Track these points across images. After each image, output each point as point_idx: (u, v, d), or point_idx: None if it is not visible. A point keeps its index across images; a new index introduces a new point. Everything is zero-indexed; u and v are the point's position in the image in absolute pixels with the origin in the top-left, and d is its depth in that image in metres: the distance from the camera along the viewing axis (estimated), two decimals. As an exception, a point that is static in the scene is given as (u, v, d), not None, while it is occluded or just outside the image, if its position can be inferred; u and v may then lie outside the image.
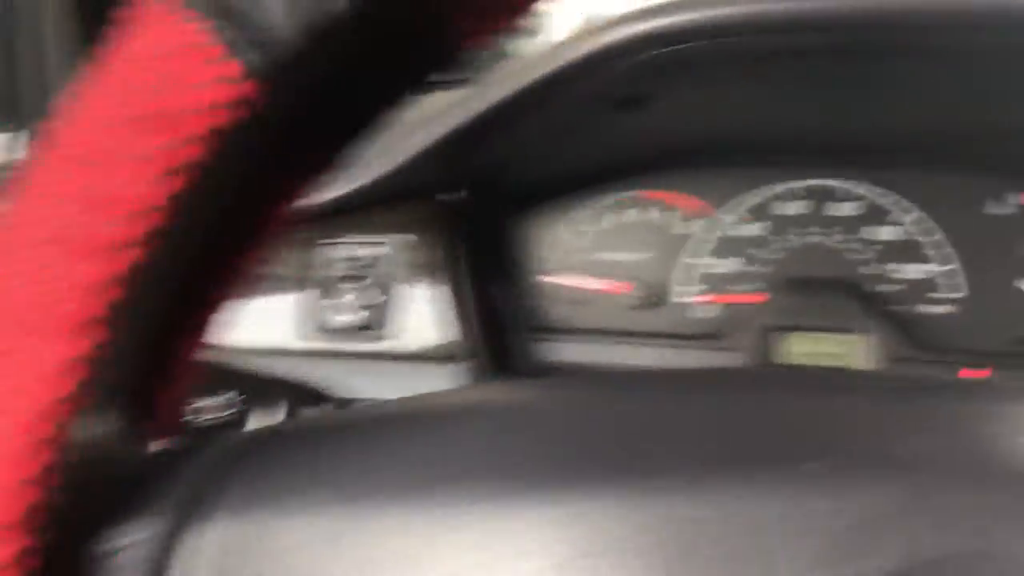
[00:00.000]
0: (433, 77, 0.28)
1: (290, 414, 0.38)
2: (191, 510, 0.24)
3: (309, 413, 0.29)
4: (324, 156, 0.28)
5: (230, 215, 0.27)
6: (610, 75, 0.52)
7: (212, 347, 0.30)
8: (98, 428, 0.24)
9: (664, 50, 0.50)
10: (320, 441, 0.26)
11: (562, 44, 0.54)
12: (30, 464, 0.22)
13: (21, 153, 0.86)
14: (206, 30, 0.21)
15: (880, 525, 0.19)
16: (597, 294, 0.75)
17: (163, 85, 0.21)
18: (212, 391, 0.36)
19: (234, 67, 0.21)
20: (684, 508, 0.21)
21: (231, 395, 0.35)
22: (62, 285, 0.22)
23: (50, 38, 0.76)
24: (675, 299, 0.74)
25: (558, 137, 0.63)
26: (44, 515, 0.22)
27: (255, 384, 0.35)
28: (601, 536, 0.21)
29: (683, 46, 0.50)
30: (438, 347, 0.62)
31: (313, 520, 0.23)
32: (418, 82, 0.28)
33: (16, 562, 0.22)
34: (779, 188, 0.71)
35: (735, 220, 0.72)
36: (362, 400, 0.59)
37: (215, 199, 0.24)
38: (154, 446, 0.27)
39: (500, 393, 0.28)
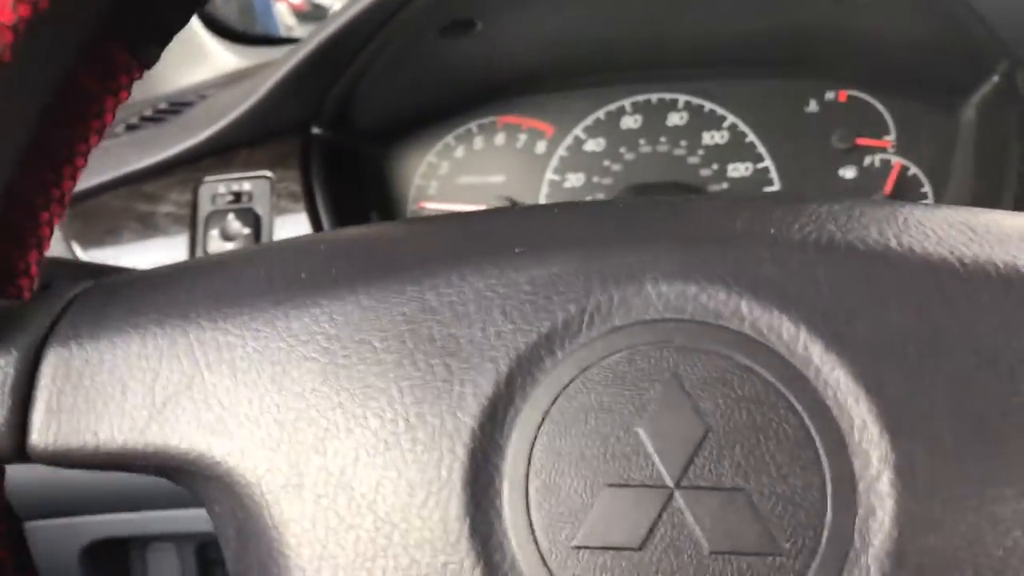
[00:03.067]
0: None
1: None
2: (38, 341, 0.30)
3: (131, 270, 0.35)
4: (130, 54, 0.34)
5: (57, 103, 0.32)
6: (426, 5, 0.59)
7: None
8: None
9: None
10: (140, 285, 0.32)
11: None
12: None
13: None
14: None
15: (564, 282, 0.26)
16: (467, 217, 0.82)
17: None
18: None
19: None
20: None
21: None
22: None
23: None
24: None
25: (398, 66, 0.69)
26: None
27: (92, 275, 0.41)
28: (353, 328, 0.28)
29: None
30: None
31: (133, 339, 0.30)
32: None
33: None
34: (612, 106, 0.79)
35: (580, 138, 0.80)
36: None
37: (31, 86, 0.30)
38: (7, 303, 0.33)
39: (279, 243, 0.34)
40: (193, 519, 0.69)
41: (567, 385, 0.25)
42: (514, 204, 0.79)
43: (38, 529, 0.68)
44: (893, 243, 0.26)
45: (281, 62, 0.66)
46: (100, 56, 0.33)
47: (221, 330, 0.29)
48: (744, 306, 0.25)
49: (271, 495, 0.27)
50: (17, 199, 0.33)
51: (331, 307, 0.28)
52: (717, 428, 0.24)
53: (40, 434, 0.29)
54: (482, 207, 0.80)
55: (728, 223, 0.27)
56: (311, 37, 0.64)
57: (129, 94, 0.35)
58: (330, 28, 0.62)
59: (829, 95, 0.77)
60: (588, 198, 0.79)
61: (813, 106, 0.77)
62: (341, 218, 0.72)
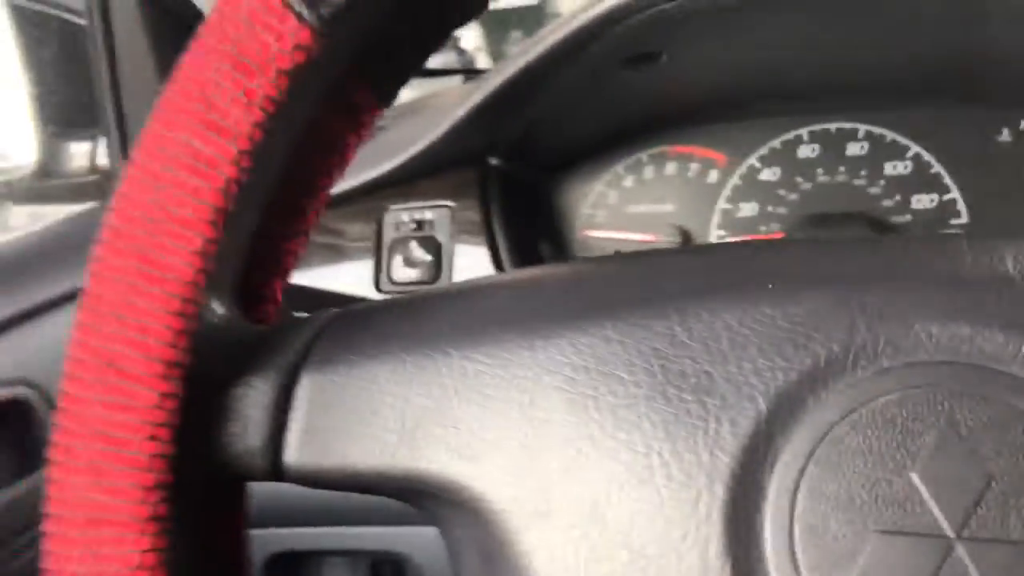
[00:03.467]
0: (461, 24, 0.36)
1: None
2: (294, 365, 0.32)
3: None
4: (372, 95, 0.36)
5: (304, 143, 0.35)
6: (618, 35, 0.59)
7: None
8: (216, 307, 0.33)
9: (664, 7, 0.57)
10: (384, 314, 0.34)
11: (573, 11, 0.61)
12: (167, 333, 0.28)
13: (102, 159, 0.95)
14: None
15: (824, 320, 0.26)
16: (635, 244, 0.82)
17: (242, 40, 0.29)
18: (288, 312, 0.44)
19: (292, 21, 0.29)
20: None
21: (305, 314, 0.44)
22: (179, 194, 0.29)
23: (124, 47, 0.83)
24: (706, 243, 0.80)
25: (580, 98, 0.70)
26: (178, 370, 0.30)
27: (325, 303, 0.43)
28: (600, 360, 0.28)
29: (683, 2, 0.57)
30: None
31: (385, 366, 0.31)
32: (449, 30, 0.36)
33: (160, 405, 0.29)
34: (790, 135, 0.77)
35: (755, 167, 0.79)
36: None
37: (289, 127, 0.32)
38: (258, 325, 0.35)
39: (513, 275, 0.35)
40: (369, 537, 0.72)
41: (833, 427, 0.25)
42: (685, 234, 0.79)
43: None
44: None
45: (464, 97, 0.69)
46: (346, 98, 0.35)
47: (469, 358, 0.30)
48: (1023, 350, 0.24)
49: (519, 521, 0.27)
50: (266, 231, 0.35)
51: (576, 339, 0.29)
52: (1000, 477, 0.23)
53: (295, 454, 0.31)
54: (650, 237, 0.80)
55: (997, 264, 0.26)
56: (496, 73, 0.66)
57: (370, 132, 0.37)
58: (517, 65, 0.64)
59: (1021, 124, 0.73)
60: (762, 228, 0.78)
61: (1006, 135, 0.73)
62: (516, 245, 0.73)
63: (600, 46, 0.62)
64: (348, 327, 0.33)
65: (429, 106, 0.80)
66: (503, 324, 0.30)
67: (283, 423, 0.31)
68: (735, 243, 0.33)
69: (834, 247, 0.30)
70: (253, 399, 0.31)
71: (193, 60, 0.30)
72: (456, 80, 1.08)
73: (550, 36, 0.63)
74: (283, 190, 0.35)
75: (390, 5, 0.32)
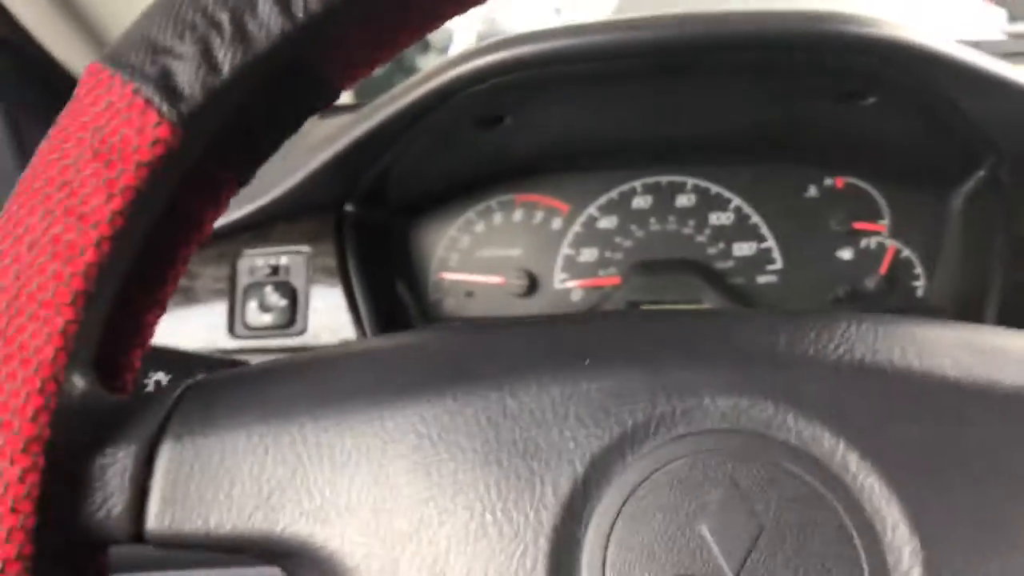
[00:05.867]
0: (316, 111, 0.39)
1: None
2: (153, 436, 0.34)
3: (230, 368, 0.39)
4: (232, 177, 0.38)
5: (164, 223, 0.36)
6: (464, 101, 0.64)
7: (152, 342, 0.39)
8: (77, 381, 0.34)
9: (505, 78, 0.62)
10: (242, 383, 0.36)
11: (424, 74, 0.66)
12: (27, 410, 0.29)
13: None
14: (133, 90, 0.31)
15: (632, 393, 0.31)
16: (485, 286, 0.86)
17: (103, 130, 0.31)
18: (142, 375, 0.45)
19: (153, 116, 0.31)
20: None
21: (159, 376, 0.45)
22: (40, 278, 0.30)
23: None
24: (551, 287, 0.85)
25: (432, 153, 0.74)
26: (38, 445, 0.30)
27: (180, 363, 0.44)
28: (442, 428, 0.32)
29: (521, 74, 0.62)
30: (338, 340, 0.73)
31: (240, 436, 0.33)
32: (306, 115, 0.39)
33: (21, 479, 0.30)
34: (626, 187, 0.84)
35: (594, 216, 0.85)
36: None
37: (148, 212, 0.34)
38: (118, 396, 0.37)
39: (363, 345, 0.38)
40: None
41: (637, 487, 0.29)
42: (532, 277, 0.84)
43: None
44: (915, 364, 0.30)
45: (321, 148, 0.71)
46: (206, 179, 0.37)
47: (321, 428, 0.32)
48: (790, 419, 0.29)
49: None
50: (126, 304, 0.37)
51: (421, 409, 0.32)
52: (770, 526, 0.28)
53: (156, 520, 0.32)
54: (499, 280, 0.85)
55: (773, 342, 0.31)
56: (352, 127, 0.69)
57: (226, 209, 0.39)
58: (371, 122, 0.67)
59: (828, 181, 0.82)
60: (600, 272, 0.84)
61: (813, 191, 0.82)
62: (372, 289, 0.76)
63: (448, 109, 0.66)
64: (205, 397, 0.35)
65: (286, 149, 0.82)
66: (353, 395, 0.33)
67: (144, 491, 0.33)
68: (561, 317, 0.37)
69: (642, 323, 0.35)
70: (115, 469, 0.32)
71: (53, 145, 0.31)
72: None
73: (402, 97, 0.66)
74: (143, 264, 0.36)
75: (248, 97, 0.34)
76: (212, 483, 0.32)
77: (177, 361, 0.45)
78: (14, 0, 0.73)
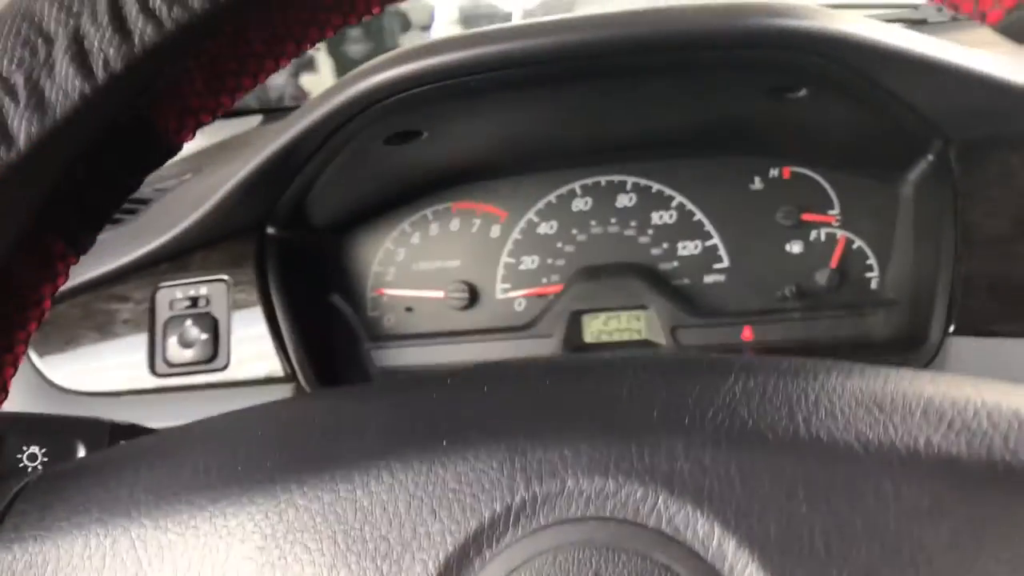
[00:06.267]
0: (154, 167, 0.35)
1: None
2: None
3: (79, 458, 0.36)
4: (66, 244, 0.35)
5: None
6: (372, 117, 0.60)
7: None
8: None
9: (412, 92, 0.58)
10: (83, 477, 0.33)
11: (328, 89, 0.62)
12: None
13: None
14: None
15: (488, 479, 0.27)
16: (425, 300, 0.83)
17: None
18: (17, 446, 0.42)
19: None
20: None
21: (33, 450, 0.42)
22: None
23: None
24: (492, 297, 0.82)
25: (352, 168, 0.70)
26: None
27: (55, 433, 0.41)
28: (287, 527, 0.28)
29: (430, 87, 0.58)
30: (264, 372, 0.70)
31: (77, 539, 0.30)
32: (142, 175, 0.35)
33: None
34: (564, 189, 0.80)
35: (533, 221, 0.81)
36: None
37: None
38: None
39: (220, 419, 0.35)
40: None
41: None
42: (472, 289, 0.81)
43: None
44: (801, 430, 0.27)
45: (233, 170, 0.67)
46: (35, 248, 0.34)
47: (161, 528, 0.29)
48: (661, 503, 0.26)
49: None
50: None
51: (266, 505, 0.29)
52: None
53: None
54: (439, 293, 0.82)
55: (646, 409, 0.28)
56: (261, 148, 0.65)
57: (67, 279, 0.36)
58: (281, 140, 0.64)
59: (773, 172, 0.79)
60: (544, 280, 0.81)
61: (758, 183, 0.79)
62: (297, 314, 0.73)
63: (356, 126, 0.62)
64: (44, 496, 0.32)
65: (208, 173, 0.78)
66: (197, 489, 0.30)
67: None
68: (425, 383, 0.34)
69: (506, 384, 0.31)
70: None
71: None
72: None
73: (309, 114, 0.62)
74: None
75: (65, 163, 0.31)
76: None
77: (54, 430, 0.42)
78: None
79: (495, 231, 0.82)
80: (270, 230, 0.74)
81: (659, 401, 0.28)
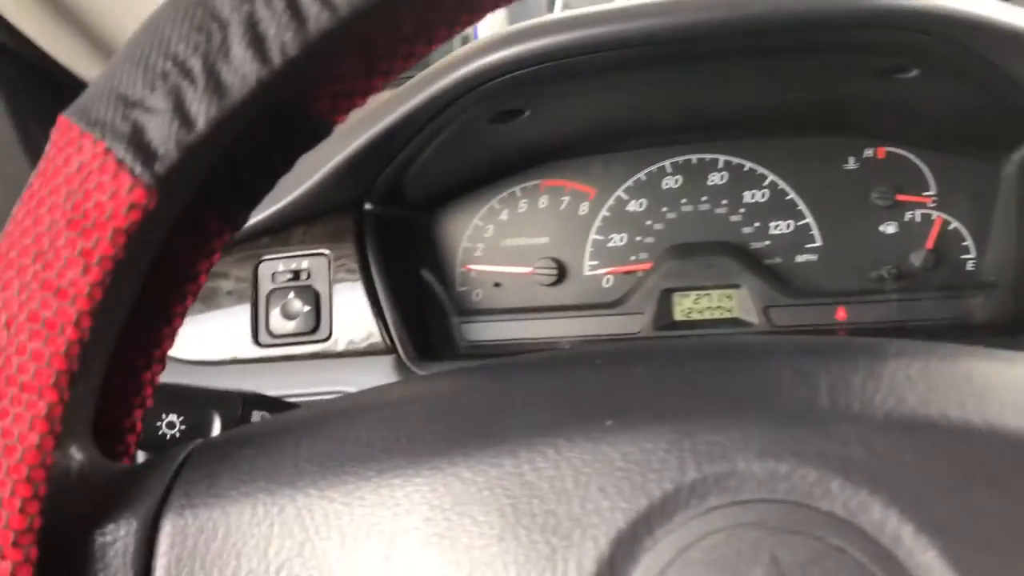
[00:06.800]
0: (309, 148, 0.36)
1: (225, 426, 0.46)
2: (155, 510, 0.32)
3: (237, 427, 0.37)
4: (222, 221, 0.36)
5: (153, 282, 0.34)
6: (478, 97, 0.61)
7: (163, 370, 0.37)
8: (75, 453, 0.32)
9: (522, 72, 0.58)
10: (247, 447, 0.34)
11: (436, 68, 0.62)
12: (15, 502, 0.28)
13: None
14: (104, 149, 0.28)
15: (657, 460, 0.28)
16: (513, 276, 0.84)
17: (75, 195, 0.29)
18: (155, 416, 0.44)
19: (126, 179, 0.29)
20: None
21: (172, 418, 0.43)
22: (20, 358, 0.28)
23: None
24: (580, 274, 0.83)
25: (451, 147, 0.71)
26: (30, 536, 0.28)
27: (192, 403, 0.43)
28: (454, 499, 0.29)
29: (539, 67, 0.58)
30: (364, 344, 0.71)
31: (246, 508, 0.32)
32: (296, 155, 0.36)
33: (12, 572, 0.29)
34: (654, 167, 0.80)
35: (622, 199, 0.82)
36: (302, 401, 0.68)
37: (132, 277, 0.32)
38: (120, 464, 0.35)
39: (388, 391, 0.36)
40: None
41: (667, 566, 0.27)
42: (560, 265, 0.81)
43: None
44: (974, 418, 0.27)
45: (337, 147, 0.69)
46: (195, 228, 0.35)
47: (328, 498, 0.30)
48: (835, 487, 0.27)
49: None
50: (121, 366, 0.35)
51: (432, 477, 0.30)
52: None
53: None
54: (527, 269, 0.82)
55: (812, 394, 0.29)
56: (366, 125, 0.67)
57: (221, 255, 0.37)
58: (385, 121, 0.65)
59: (868, 152, 0.78)
60: (632, 258, 0.81)
61: (852, 163, 0.78)
62: (396, 288, 0.74)
63: (464, 105, 0.63)
64: (209, 463, 0.33)
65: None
66: (363, 461, 0.31)
67: (147, 569, 0.31)
68: (577, 359, 0.34)
69: (667, 369, 0.32)
70: (116, 548, 0.31)
71: (28, 210, 0.29)
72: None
73: (415, 95, 0.63)
74: (136, 327, 0.34)
75: (231, 146, 0.32)
76: (217, 560, 0.31)
77: (191, 400, 0.44)
78: (10, 9, 0.72)
79: (583, 208, 0.82)
80: (368, 206, 0.75)
81: (824, 385, 0.29)
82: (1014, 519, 0.25)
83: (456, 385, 0.35)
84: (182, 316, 0.37)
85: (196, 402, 0.46)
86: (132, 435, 0.36)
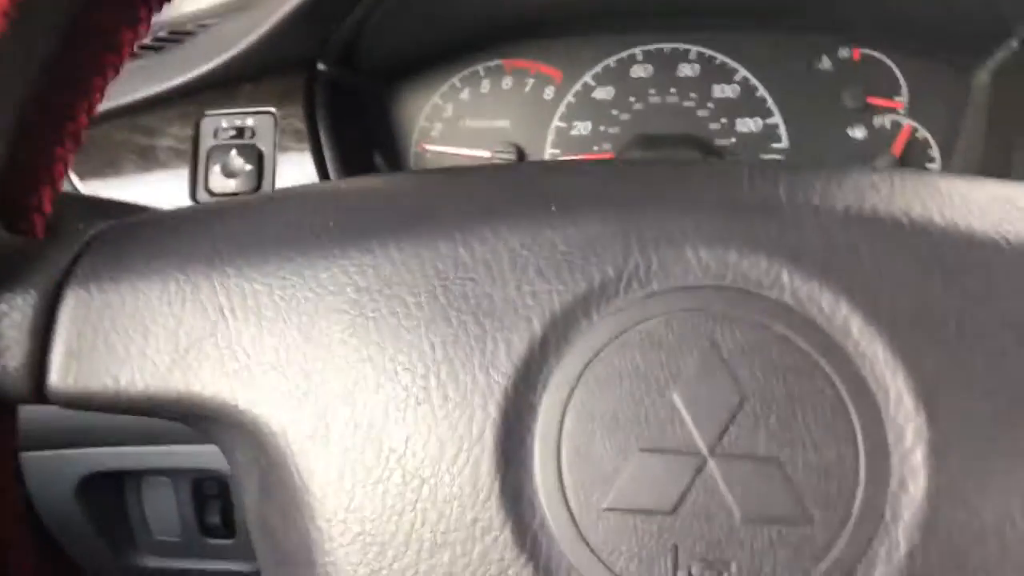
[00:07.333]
0: None
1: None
2: (57, 281, 0.29)
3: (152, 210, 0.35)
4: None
5: (69, 43, 0.31)
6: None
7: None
8: None
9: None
10: (161, 228, 0.32)
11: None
12: None
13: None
14: None
15: (601, 243, 0.26)
16: (470, 160, 0.81)
17: None
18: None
19: None
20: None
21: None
22: None
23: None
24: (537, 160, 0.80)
25: (406, 5, 0.68)
26: None
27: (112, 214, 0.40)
28: (383, 281, 0.27)
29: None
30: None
31: (155, 284, 0.29)
32: None
33: None
34: (624, 54, 0.77)
35: (589, 85, 0.79)
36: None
37: (43, 25, 0.29)
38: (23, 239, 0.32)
39: (298, 190, 0.33)
40: (189, 455, 0.69)
41: (602, 348, 0.25)
42: (520, 151, 0.79)
43: (32, 461, 0.67)
44: (936, 217, 0.26)
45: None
46: None
47: (247, 278, 0.28)
48: (785, 276, 0.25)
49: (296, 445, 0.27)
50: (29, 134, 0.32)
51: (361, 259, 0.27)
52: (753, 397, 0.24)
53: (59, 376, 0.29)
54: (485, 153, 0.79)
55: (771, 190, 0.27)
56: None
57: (149, 27, 0.34)
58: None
59: (843, 52, 0.76)
60: (595, 148, 0.78)
61: (826, 63, 0.76)
62: (344, 157, 0.71)
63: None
64: (118, 241, 0.31)
65: (256, 6, 0.75)
66: (285, 243, 0.29)
67: (46, 343, 0.29)
68: (524, 163, 0.32)
69: (617, 169, 0.30)
70: (12, 318, 0.29)
71: None
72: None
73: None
74: (47, 91, 0.31)
75: None
76: (123, 336, 0.28)
77: (108, 211, 0.41)
78: None
79: (548, 93, 0.79)
80: (320, 67, 0.71)
81: (784, 180, 0.27)
82: (965, 316, 0.24)
83: (395, 180, 0.32)
84: (101, 92, 0.34)
85: (112, 211, 0.43)
86: (38, 215, 0.33)
